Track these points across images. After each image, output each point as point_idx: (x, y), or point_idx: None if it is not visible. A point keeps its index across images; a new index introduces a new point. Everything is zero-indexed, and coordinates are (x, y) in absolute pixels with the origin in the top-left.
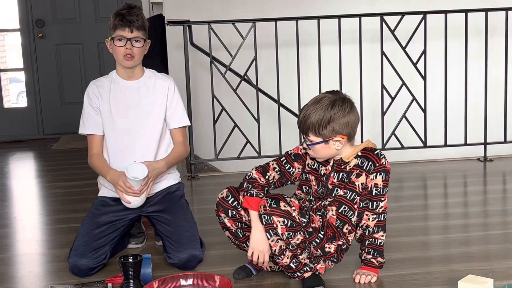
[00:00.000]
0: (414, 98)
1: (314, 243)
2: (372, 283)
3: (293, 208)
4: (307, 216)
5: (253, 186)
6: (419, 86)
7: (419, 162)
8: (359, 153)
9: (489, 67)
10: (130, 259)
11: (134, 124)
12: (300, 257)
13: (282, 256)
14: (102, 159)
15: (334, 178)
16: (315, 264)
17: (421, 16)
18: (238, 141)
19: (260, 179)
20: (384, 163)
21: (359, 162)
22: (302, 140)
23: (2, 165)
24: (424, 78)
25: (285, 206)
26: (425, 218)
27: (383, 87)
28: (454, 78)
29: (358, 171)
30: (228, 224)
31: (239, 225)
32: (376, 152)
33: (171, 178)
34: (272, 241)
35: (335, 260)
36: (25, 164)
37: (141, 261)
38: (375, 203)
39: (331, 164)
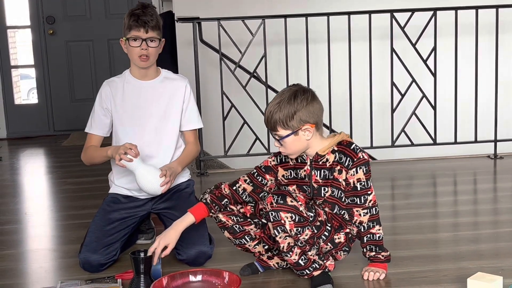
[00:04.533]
0: (424, 95)
1: (323, 237)
2: (381, 280)
3: (300, 203)
4: (313, 210)
5: (210, 193)
6: (429, 83)
7: (428, 159)
8: (335, 148)
9: (499, 64)
10: (142, 255)
11: (150, 126)
12: (309, 253)
13: (291, 253)
14: (98, 147)
15: (317, 176)
16: (324, 261)
17: (431, 12)
18: (248, 138)
19: (224, 189)
20: (361, 157)
21: (338, 158)
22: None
23: (13, 161)
24: (434, 75)
25: (292, 201)
26: (434, 215)
27: (393, 84)
28: (464, 75)
29: (339, 166)
30: (223, 220)
31: (234, 219)
32: (352, 147)
33: (181, 176)
34: (280, 238)
35: (347, 249)
36: (36, 160)
37: (151, 257)
38: (362, 197)
39: (308, 163)
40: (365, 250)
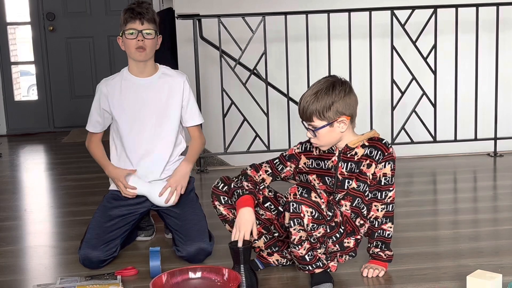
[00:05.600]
0: (424, 93)
1: (333, 237)
2: (380, 277)
3: (323, 200)
4: (333, 210)
5: (246, 180)
6: (429, 81)
7: (429, 157)
8: (366, 143)
9: (500, 62)
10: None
11: (149, 123)
12: (319, 251)
13: (299, 247)
14: (101, 149)
15: (343, 168)
16: (329, 261)
17: (431, 10)
18: (247, 135)
19: (255, 177)
20: (392, 152)
21: (368, 152)
22: (306, 130)
23: (13, 157)
24: (434, 72)
25: (315, 197)
26: (434, 213)
27: (393, 81)
28: (464, 72)
29: (368, 161)
30: (224, 213)
31: (235, 212)
32: (384, 142)
33: None
34: (294, 229)
35: (353, 254)
36: (36, 157)
37: (250, 246)
38: (383, 193)
39: (336, 154)
40: (371, 245)
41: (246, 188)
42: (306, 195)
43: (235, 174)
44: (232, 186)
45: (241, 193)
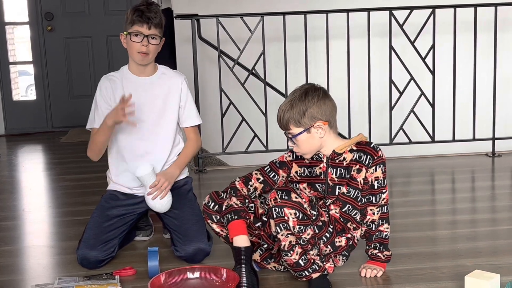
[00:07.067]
0: (422, 93)
1: (324, 238)
2: (378, 277)
3: (304, 200)
4: (316, 209)
5: (235, 195)
6: (427, 81)
7: (427, 157)
8: (354, 147)
9: (498, 62)
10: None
11: (148, 122)
12: (311, 253)
13: (291, 252)
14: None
15: (333, 174)
16: (324, 263)
17: (430, 10)
18: (246, 135)
19: (242, 189)
20: (381, 155)
21: (357, 157)
22: (288, 141)
23: (11, 157)
24: (432, 73)
25: (296, 198)
26: (432, 213)
27: (391, 81)
28: (463, 72)
29: (358, 166)
30: (218, 230)
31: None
32: (372, 145)
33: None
34: (282, 235)
35: (346, 254)
36: (34, 157)
37: (252, 248)
38: (377, 196)
39: (325, 161)
40: (369, 247)
41: (236, 207)
42: (286, 197)
43: (233, 174)
44: (223, 209)
45: (230, 219)
